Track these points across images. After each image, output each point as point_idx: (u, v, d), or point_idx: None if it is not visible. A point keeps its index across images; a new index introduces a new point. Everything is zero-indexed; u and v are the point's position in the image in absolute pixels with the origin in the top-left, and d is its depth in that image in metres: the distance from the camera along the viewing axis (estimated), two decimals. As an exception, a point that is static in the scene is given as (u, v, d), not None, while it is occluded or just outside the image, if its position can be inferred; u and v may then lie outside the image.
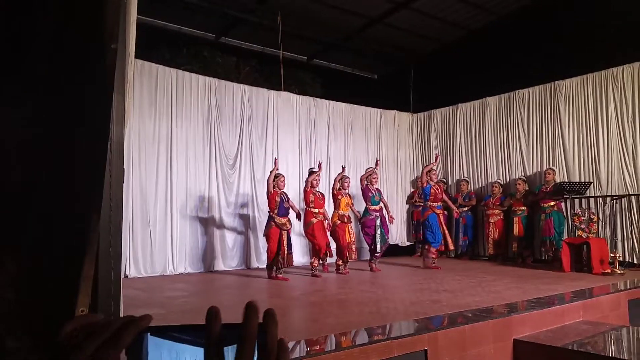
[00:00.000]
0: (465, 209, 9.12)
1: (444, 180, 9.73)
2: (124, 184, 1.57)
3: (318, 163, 7.35)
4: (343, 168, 7.48)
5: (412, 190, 10.27)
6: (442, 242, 7.71)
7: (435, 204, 7.64)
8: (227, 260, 7.76)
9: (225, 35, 9.82)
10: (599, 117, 7.84)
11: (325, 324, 3.85)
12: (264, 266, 6.94)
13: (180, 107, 7.46)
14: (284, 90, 8.71)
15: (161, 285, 6.12)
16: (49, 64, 1.21)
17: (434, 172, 7.85)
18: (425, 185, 7.71)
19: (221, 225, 7.78)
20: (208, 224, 7.66)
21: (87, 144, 1.09)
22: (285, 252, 6.49)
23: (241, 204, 8.04)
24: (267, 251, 6.61)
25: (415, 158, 10.55)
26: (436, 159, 8.43)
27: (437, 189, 7.73)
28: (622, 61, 7.59)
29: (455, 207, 8.31)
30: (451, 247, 8.10)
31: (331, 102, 9.39)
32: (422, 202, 7.99)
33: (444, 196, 7.99)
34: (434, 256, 7.65)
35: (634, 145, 7.48)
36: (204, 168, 7.68)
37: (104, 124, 1.19)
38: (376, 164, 7.79)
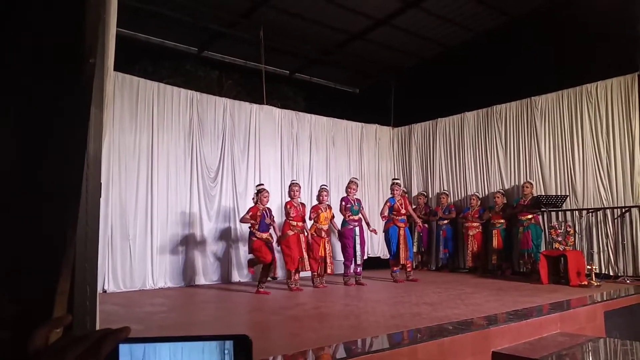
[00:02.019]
0: (446, 221, 9.22)
1: (425, 193, 9.84)
2: (102, 198, 1.57)
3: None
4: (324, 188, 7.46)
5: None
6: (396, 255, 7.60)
7: (398, 218, 7.69)
8: (208, 274, 7.68)
9: (208, 49, 9.85)
10: (574, 132, 8.03)
11: (305, 338, 3.83)
12: (245, 280, 6.89)
13: (161, 120, 7.41)
14: (266, 104, 8.73)
15: (140, 300, 6.02)
16: (28, 76, 1.21)
17: (397, 187, 7.82)
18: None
19: (202, 239, 7.71)
20: (189, 237, 7.59)
21: (64, 159, 1.09)
22: (276, 262, 6.45)
23: (223, 217, 7.98)
24: (258, 260, 6.53)
25: (396, 171, 10.63)
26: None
27: (401, 202, 7.75)
28: (596, 77, 7.80)
29: (419, 220, 8.31)
30: (402, 261, 7.58)
31: (313, 115, 9.44)
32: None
33: (409, 208, 8.01)
34: (394, 268, 7.63)
35: (609, 159, 7.67)
36: (185, 181, 7.62)
37: (82, 139, 1.19)
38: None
